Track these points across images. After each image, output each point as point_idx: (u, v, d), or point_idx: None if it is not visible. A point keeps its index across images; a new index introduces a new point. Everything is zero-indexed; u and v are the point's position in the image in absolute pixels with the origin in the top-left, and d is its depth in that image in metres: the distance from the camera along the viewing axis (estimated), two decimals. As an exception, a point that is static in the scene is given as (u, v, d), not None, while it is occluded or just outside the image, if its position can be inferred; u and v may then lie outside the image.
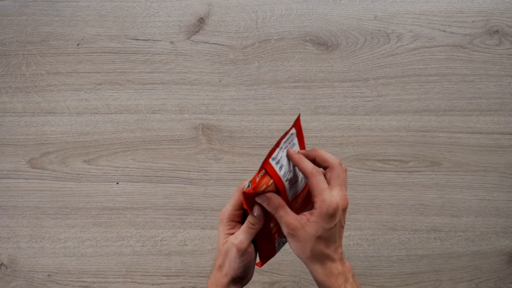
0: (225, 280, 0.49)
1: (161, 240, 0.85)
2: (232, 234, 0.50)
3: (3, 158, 0.86)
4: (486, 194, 0.84)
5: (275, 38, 0.85)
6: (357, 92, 0.84)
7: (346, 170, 0.47)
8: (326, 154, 0.48)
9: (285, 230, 0.46)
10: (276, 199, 0.47)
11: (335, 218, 0.44)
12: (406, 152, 0.84)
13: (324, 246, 0.45)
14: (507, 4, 0.84)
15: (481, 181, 0.84)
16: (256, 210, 0.48)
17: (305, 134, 0.84)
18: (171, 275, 0.85)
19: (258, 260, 0.54)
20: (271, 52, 0.85)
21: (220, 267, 0.49)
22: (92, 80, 0.86)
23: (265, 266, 0.83)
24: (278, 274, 0.84)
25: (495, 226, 0.84)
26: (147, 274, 0.85)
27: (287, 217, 0.46)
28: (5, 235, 0.86)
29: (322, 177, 0.46)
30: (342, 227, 0.47)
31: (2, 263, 0.85)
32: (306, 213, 0.46)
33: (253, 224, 0.48)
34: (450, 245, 0.84)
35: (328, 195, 0.44)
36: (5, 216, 0.86)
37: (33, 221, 0.85)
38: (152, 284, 0.85)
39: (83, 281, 0.85)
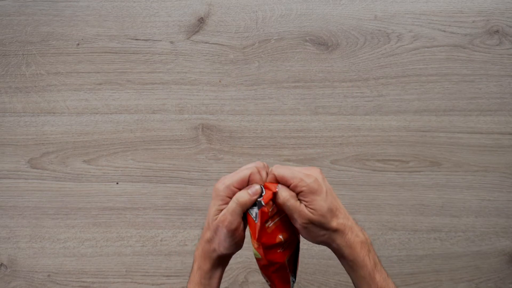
0: (214, 255, 0.50)
1: (161, 240, 0.85)
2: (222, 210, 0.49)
3: (3, 158, 0.86)
4: (486, 194, 0.84)
5: (275, 38, 0.85)
6: (357, 92, 0.84)
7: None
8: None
9: (298, 223, 0.47)
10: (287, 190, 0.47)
11: (321, 187, 0.46)
12: (406, 152, 0.84)
13: (335, 217, 0.46)
14: (507, 4, 0.84)
15: (481, 181, 0.84)
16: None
17: (305, 134, 0.84)
18: (171, 275, 0.85)
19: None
20: (271, 52, 0.85)
21: (209, 241, 0.49)
22: (92, 80, 0.86)
23: (265, 266, 0.83)
24: (278, 274, 0.84)
25: (495, 226, 0.84)
26: (147, 274, 0.85)
27: (296, 206, 0.46)
28: (5, 235, 0.86)
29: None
30: (335, 194, 0.48)
31: (2, 263, 0.85)
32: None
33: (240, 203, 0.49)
34: (450, 245, 0.84)
35: (298, 174, 0.46)
36: (5, 216, 0.86)
37: (33, 221, 0.85)
38: (152, 284, 0.85)
39: (83, 281, 0.85)
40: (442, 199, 0.84)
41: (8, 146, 0.86)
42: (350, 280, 0.86)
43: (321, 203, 0.45)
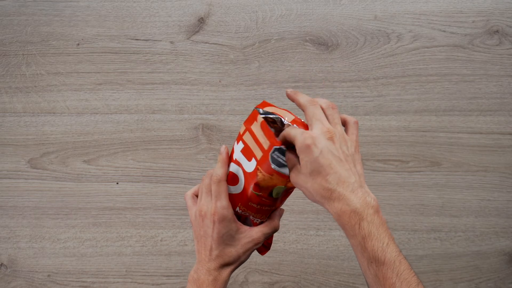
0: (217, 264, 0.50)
1: (161, 240, 0.85)
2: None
3: (3, 158, 0.86)
4: (486, 194, 0.84)
5: (275, 38, 0.85)
6: (357, 92, 0.84)
7: (324, 106, 0.46)
8: (301, 98, 0.47)
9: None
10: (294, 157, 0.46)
11: (314, 146, 0.42)
12: (406, 152, 0.84)
13: (322, 179, 0.42)
14: (507, 4, 0.84)
15: (481, 181, 0.84)
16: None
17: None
18: (171, 275, 0.85)
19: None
20: (271, 52, 0.85)
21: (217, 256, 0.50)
22: (92, 80, 0.86)
23: (265, 266, 0.83)
24: (278, 274, 0.84)
25: (495, 226, 0.84)
26: (147, 274, 0.85)
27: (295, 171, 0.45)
28: (5, 235, 0.86)
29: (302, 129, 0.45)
30: (342, 157, 0.43)
31: (2, 263, 0.85)
32: None
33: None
34: (450, 245, 0.84)
35: (298, 132, 0.43)
36: (5, 216, 0.86)
37: (33, 221, 0.85)
38: (152, 284, 0.85)
39: (83, 281, 0.85)
40: (442, 199, 0.84)
41: (8, 146, 0.86)
42: (350, 280, 0.86)
43: (307, 163, 0.43)
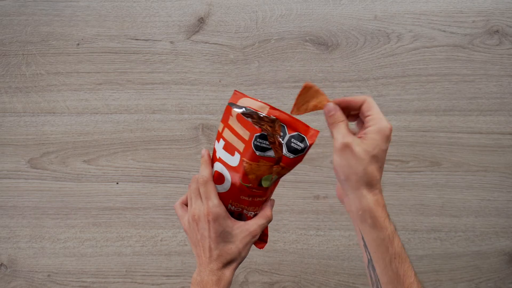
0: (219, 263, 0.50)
1: (161, 240, 0.85)
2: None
3: (3, 158, 0.86)
4: (486, 194, 0.84)
5: (275, 38, 0.85)
6: (357, 92, 0.84)
7: None
8: (353, 97, 0.46)
9: (339, 141, 0.43)
10: (341, 115, 0.45)
11: (388, 140, 0.43)
12: (406, 152, 0.84)
13: (376, 169, 0.42)
14: (507, 4, 0.84)
15: (481, 181, 0.84)
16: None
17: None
18: (171, 275, 0.85)
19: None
20: (271, 52, 0.85)
21: (219, 256, 0.50)
22: (92, 80, 0.86)
23: (265, 266, 0.83)
24: (278, 274, 0.84)
25: (495, 226, 0.84)
26: (147, 274, 0.85)
27: (345, 129, 0.44)
28: (5, 235, 0.86)
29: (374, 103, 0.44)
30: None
31: (2, 263, 0.85)
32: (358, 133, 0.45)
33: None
34: (450, 245, 0.84)
35: (383, 116, 0.43)
36: (5, 216, 0.86)
37: (33, 221, 0.85)
38: (152, 284, 0.85)
39: (83, 281, 0.85)
40: (442, 199, 0.84)
41: (8, 146, 0.86)
42: (350, 280, 0.86)
43: (377, 147, 0.42)
